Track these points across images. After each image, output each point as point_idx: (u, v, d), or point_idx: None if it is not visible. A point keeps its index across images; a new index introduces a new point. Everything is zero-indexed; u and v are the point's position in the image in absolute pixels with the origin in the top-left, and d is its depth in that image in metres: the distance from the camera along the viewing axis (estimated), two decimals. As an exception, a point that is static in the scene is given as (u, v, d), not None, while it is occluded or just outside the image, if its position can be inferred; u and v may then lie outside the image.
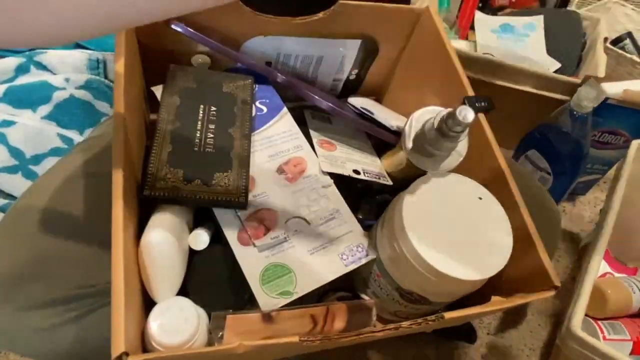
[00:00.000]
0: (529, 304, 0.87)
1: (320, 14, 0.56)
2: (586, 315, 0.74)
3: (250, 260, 0.44)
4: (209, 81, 0.53)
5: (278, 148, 0.52)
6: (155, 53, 0.55)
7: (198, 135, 0.48)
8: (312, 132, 0.57)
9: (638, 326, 0.74)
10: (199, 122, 0.49)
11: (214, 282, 0.45)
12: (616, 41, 1.16)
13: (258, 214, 0.47)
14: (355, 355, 0.77)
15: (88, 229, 0.49)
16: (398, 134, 0.53)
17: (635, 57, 1.02)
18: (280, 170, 0.50)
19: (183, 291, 0.44)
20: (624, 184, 0.72)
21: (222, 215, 0.46)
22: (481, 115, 0.53)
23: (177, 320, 0.39)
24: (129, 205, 0.39)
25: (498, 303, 0.41)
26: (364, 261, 0.47)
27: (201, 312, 0.41)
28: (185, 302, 0.40)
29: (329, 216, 0.49)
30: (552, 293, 0.42)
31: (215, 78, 0.54)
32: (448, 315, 0.39)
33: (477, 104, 0.53)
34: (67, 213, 0.50)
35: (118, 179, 0.38)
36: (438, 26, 0.58)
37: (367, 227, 0.55)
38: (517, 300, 0.42)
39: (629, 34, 1.15)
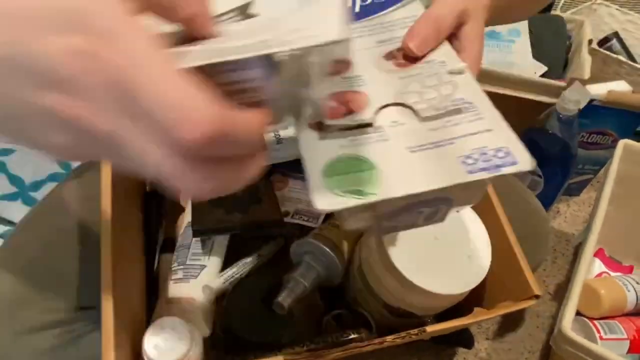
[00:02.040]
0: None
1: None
2: (582, 315, 0.75)
3: (317, 146, 0.31)
4: None
5: (394, 34, 0.39)
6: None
7: None
8: None
9: (634, 324, 0.74)
10: None
11: (251, 316, 0.46)
12: (603, 42, 1.17)
13: (342, 96, 0.34)
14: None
15: (85, 251, 0.51)
16: None
17: (621, 57, 1.03)
18: (389, 56, 0.38)
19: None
20: (612, 183, 0.73)
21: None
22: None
23: (171, 339, 0.40)
24: (120, 223, 0.41)
25: (480, 314, 0.42)
26: (504, 171, 0.29)
27: (193, 329, 0.43)
28: (178, 321, 0.42)
29: (453, 107, 0.33)
30: (533, 302, 0.43)
31: None
32: (430, 328, 0.40)
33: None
34: (64, 238, 0.52)
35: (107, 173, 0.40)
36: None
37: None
38: (498, 311, 0.43)
39: (616, 34, 1.16)
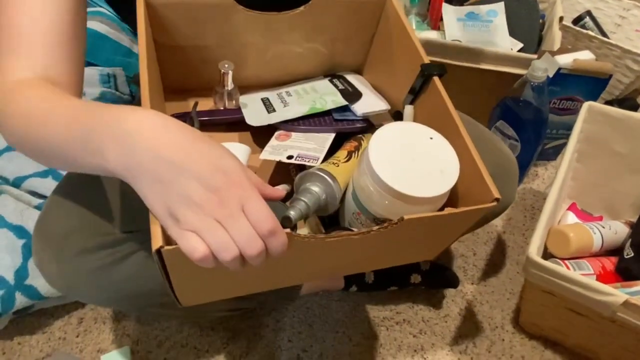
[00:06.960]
0: (506, 256, 0.97)
1: (302, 8, 0.67)
2: (554, 256, 0.84)
3: None
4: None
5: None
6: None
7: None
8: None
9: (601, 262, 0.84)
10: None
11: None
12: (577, 20, 1.28)
13: None
14: (357, 309, 0.87)
15: (125, 186, 0.61)
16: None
17: (590, 32, 1.13)
18: None
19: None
20: (575, 139, 0.83)
21: None
22: (437, 79, 0.64)
23: None
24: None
25: (449, 210, 0.51)
26: None
27: None
28: None
29: None
30: (494, 204, 0.52)
31: None
32: (407, 217, 0.49)
33: (432, 69, 0.64)
34: (99, 185, 0.61)
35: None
36: (398, 11, 0.69)
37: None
38: (464, 209, 0.51)
39: (589, 12, 1.27)
